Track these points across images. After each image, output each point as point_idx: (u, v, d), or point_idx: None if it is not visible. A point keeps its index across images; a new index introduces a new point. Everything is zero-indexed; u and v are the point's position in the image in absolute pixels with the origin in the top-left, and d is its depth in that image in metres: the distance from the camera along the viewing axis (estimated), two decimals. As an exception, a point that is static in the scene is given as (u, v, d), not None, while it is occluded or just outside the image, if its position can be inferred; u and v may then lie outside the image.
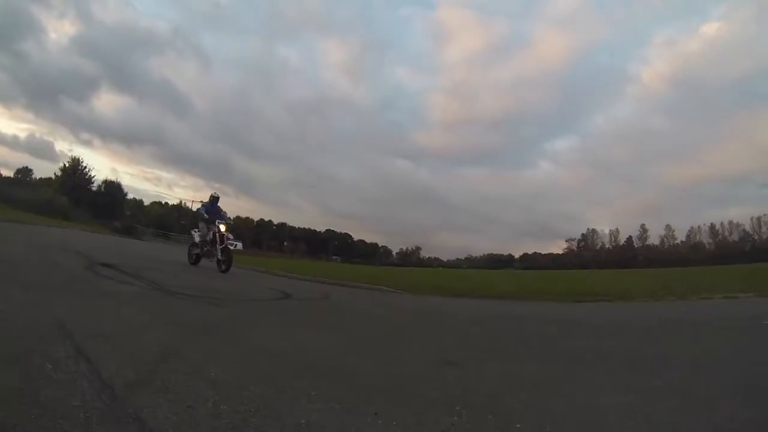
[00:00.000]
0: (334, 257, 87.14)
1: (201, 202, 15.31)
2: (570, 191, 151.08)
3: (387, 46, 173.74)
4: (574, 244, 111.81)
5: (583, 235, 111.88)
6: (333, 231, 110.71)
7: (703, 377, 3.27)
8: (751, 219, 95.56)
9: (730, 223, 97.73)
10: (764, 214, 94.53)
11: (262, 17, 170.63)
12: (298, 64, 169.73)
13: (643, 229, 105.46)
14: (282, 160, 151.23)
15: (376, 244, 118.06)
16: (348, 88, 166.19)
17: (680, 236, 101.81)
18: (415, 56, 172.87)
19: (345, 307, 8.04)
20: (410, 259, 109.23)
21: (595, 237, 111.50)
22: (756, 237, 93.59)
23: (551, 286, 14.53)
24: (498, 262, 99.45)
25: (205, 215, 11.96)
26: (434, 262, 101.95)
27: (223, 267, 10.97)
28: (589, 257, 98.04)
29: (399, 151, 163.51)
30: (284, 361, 3.25)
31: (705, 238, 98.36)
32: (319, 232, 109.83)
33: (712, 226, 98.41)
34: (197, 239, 12.06)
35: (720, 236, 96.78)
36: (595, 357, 3.93)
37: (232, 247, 11.08)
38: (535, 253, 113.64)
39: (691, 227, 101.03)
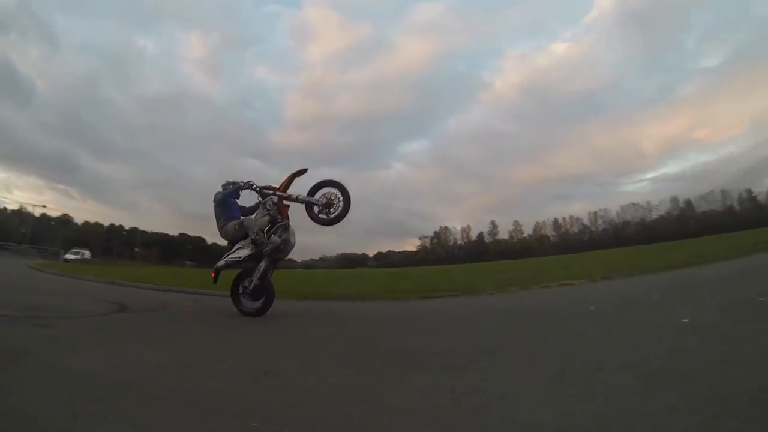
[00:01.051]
0: (188, 262, 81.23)
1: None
2: (423, 190, 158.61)
3: (250, 42, 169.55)
4: (428, 241, 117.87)
5: (435, 232, 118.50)
6: (186, 235, 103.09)
7: (522, 370, 3.21)
8: (589, 213, 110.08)
9: (571, 217, 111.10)
10: (600, 209, 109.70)
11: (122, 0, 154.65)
12: (156, 55, 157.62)
13: (493, 225, 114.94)
14: (133, 158, 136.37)
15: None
16: (206, 84, 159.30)
17: (527, 230, 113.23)
18: (277, 54, 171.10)
19: (180, 317, 7.05)
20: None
21: (448, 234, 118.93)
22: (593, 229, 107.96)
23: (400, 284, 14.48)
24: (352, 262, 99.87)
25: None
26: (288, 264, 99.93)
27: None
28: (443, 253, 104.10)
29: (251, 150, 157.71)
30: (95, 383, 2.94)
31: (549, 232, 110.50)
32: (173, 236, 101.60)
33: (556, 221, 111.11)
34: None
35: (562, 229, 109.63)
36: (416, 358, 3.79)
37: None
38: (390, 251, 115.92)
39: (537, 222, 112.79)
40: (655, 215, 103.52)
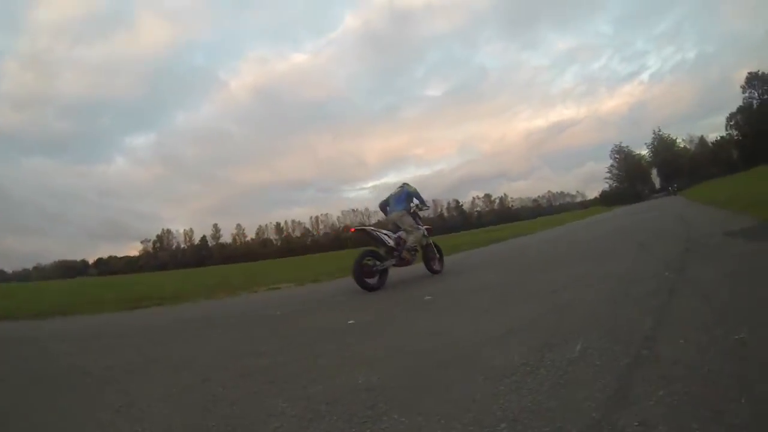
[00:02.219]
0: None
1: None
2: (146, 189, 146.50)
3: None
4: (150, 245, 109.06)
5: (158, 236, 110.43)
6: None
7: (167, 381, 2.99)
8: (311, 218, 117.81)
9: (293, 221, 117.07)
10: (322, 214, 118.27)
11: None
12: None
13: (216, 228, 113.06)
14: None
15: None
16: None
17: (250, 234, 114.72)
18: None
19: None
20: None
21: (171, 237, 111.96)
22: (315, 233, 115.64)
23: (107, 294, 12.42)
24: (71, 270, 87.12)
25: None
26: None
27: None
28: (167, 258, 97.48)
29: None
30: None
31: (272, 235, 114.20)
32: None
33: (278, 225, 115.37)
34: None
35: (285, 233, 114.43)
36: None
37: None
38: (111, 257, 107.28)
39: (260, 226, 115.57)
40: (373, 220, 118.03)
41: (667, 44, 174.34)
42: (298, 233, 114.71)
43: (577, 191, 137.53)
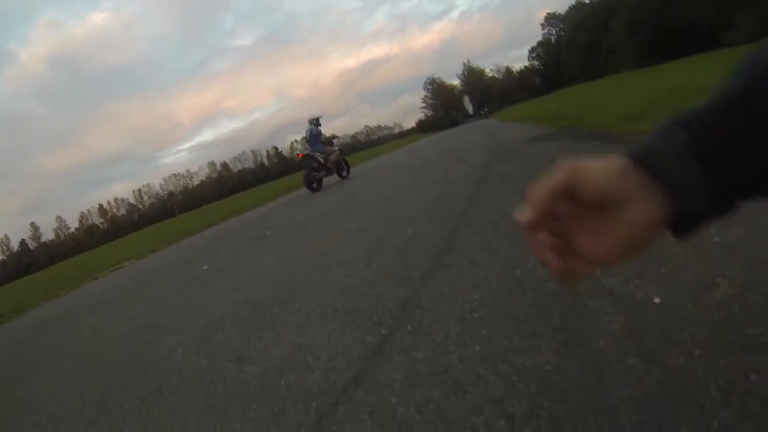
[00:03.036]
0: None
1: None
2: None
3: None
4: None
5: None
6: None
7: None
8: (134, 192, 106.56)
9: (116, 199, 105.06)
10: (144, 185, 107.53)
11: None
12: None
13: (34, 228, 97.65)
14: None
15: None
16: None
17: (73, 225, 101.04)
18: None
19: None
20: None
21: None
22: (141, 207, 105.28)
23: None
24: None
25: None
26: None
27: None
28: None
29: None
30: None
31: (97, 220, 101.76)
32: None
33: (101, 207, 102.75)
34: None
35: (110, 214, 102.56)
36: None
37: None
38: None
39: (82, 213, 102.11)
40: (196, 181, 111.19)
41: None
42: (123, 211, 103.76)
43: (395, 123, 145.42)
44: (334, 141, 11.89)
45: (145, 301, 4.28)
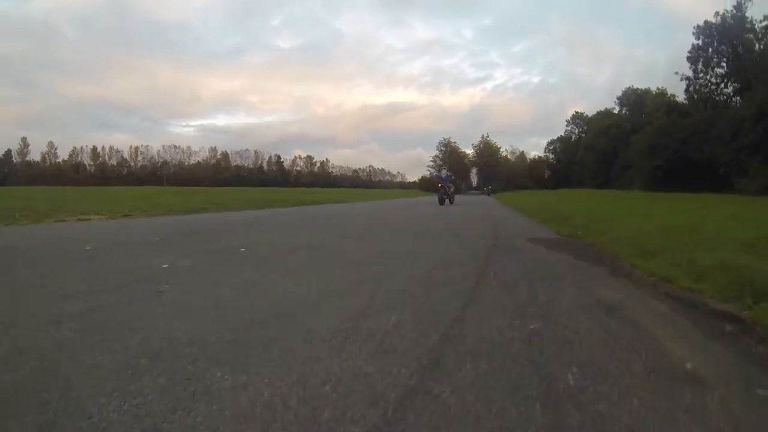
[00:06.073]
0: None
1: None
2: None
3: None
4: None
5: None
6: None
7: None
8: (131, 147, 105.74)
9: (111, 148, 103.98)
10: (143, 145, 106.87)
11: None
12: None
13: (24, 143, 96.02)
14: None
15: None
16: None
17: (63, 154, 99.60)
18: None
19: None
20: None
21: None
22: (132, 164, 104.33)
23: None
24: None
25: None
26: None
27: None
28: None
29: None
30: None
31: (87, 160, 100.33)
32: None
33: (94, 149, 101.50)
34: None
35: (101, 159, 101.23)
36: None
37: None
38: None
39: (74, 147, 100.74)
40: (193, 160, 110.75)
41: (517, 64, 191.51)
42: (114, 162, 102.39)
43: (398, 172, 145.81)
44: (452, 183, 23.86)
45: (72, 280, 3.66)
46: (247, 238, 6.86)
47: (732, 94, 30.73)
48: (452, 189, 22.36)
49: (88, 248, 5.35)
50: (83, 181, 70.79)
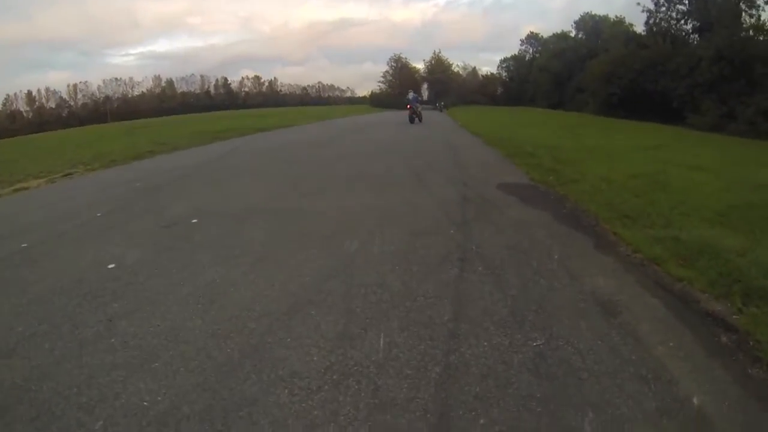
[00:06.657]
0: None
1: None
2: None
3: None
4: None
5: None
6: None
7: None
8: (68, 86, 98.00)
9: (47, 89, 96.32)
10: (81, 82, 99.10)
11: None
12: None
13: None
14: None
15: None
16: None
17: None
18: None
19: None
20: None
21: None
22: (72, 103, 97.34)
23: None
24: None
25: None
26: None
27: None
28: None
29: None
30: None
31: (22, 106, 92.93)
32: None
33: (30, 93, 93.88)
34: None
35: (38, 103, 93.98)
36: None
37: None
38: None
39: (8, 95, 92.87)
40: (137, 92, 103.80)
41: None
42: (53, 104, 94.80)
43: (348, 87, 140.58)
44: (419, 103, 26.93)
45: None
46: (198, 198, 6.67)
47: (691, 31, 30.91)
48: (419, 108, 25.35)
49: (24, 245, 4.74)
50: (20, 131, 65.73)
